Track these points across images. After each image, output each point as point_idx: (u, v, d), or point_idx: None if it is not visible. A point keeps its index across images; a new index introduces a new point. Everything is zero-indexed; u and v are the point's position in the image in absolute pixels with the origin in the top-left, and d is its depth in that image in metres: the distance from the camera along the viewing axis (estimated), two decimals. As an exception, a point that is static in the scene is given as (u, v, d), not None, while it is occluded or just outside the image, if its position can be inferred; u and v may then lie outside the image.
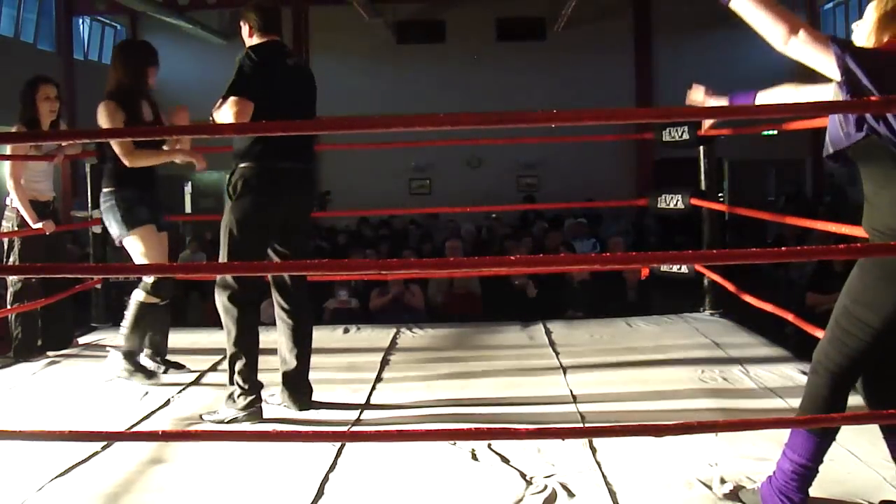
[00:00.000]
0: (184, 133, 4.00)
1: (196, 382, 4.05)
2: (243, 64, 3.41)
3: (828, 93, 2.38)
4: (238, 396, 3.40)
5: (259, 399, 3.44)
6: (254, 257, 3.43)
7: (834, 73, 2.13)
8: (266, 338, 3.60)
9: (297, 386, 3.57)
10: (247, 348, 3.43)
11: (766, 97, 2.71)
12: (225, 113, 3.31)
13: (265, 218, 3.47)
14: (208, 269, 3.75)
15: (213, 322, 5.46)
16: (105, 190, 4.12)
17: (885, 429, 2.43)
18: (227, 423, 3.37)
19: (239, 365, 3.41)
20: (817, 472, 2.38)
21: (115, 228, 4.09)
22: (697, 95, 3.12)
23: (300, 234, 3.66)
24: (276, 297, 3.62)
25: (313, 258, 3.69)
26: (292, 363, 3.56)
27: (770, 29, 2.16)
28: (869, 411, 2.42)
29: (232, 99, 3.30)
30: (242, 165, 3.46)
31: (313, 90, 3.68)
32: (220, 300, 3.46)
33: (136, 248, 4.06)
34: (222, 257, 3.51)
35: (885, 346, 2.30)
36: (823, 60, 2.14)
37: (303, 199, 3.62)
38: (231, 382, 3.43)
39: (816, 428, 2.34)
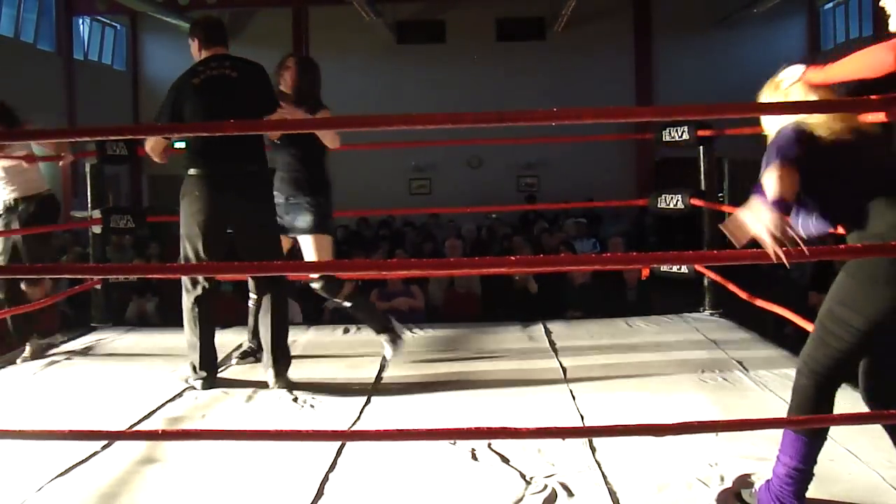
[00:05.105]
0: (185, 131, 3.99)
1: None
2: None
3: None
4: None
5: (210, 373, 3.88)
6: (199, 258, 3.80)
7: None
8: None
9: (270, 359, 3.88)
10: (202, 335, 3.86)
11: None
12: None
13: (203, 221, 3.76)
14: (208, 270, 3.75)
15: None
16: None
17: (889, 428, 2.43)
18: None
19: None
20: (812, 474, 2.38)
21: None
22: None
23: (250, 234, 3.88)
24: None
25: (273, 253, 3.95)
26: (263, 339, 3.94)
27: None
28: (866, 411, 2.42)
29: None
30: (188, 173, 3.82)
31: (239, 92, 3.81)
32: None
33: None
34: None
35: (871, 349, 2.31)
36: None
37: (244, 200, 3.82)
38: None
39: (806, 429, 2.34)
